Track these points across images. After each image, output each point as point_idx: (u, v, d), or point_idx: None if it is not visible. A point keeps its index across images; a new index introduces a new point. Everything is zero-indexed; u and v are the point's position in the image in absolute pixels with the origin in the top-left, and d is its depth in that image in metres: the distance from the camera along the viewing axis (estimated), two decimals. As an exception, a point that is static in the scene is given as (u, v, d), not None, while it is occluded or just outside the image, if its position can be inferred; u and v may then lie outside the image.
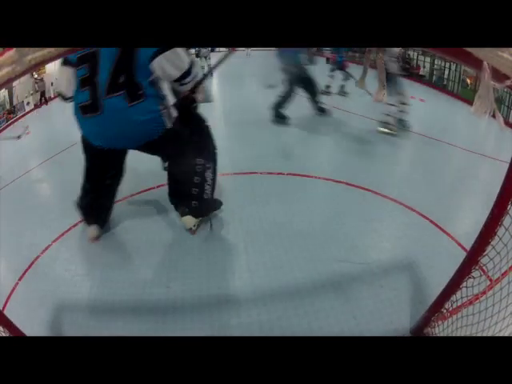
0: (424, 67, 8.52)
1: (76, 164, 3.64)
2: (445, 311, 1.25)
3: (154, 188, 2.82)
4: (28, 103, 8.72)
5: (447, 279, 1.22)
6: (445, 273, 1.24)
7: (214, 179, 2.11)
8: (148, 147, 1.92)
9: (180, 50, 1.71)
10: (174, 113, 1.90)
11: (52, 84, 10.22)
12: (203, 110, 2.14)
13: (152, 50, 1.65)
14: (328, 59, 7.65)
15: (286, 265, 1.86)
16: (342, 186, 2.69)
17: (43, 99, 8.79)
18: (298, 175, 2.82)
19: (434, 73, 8.03)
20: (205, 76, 1.98)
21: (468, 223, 2.17)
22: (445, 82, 7.42)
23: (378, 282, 1.71)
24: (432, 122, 4.79)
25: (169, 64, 1.69)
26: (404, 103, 3.96)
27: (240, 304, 1.64)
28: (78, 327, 1.56)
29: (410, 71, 8.01)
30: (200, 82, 1.90)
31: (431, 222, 2.20)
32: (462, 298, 1.17)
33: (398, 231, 2.16)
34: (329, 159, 3.36)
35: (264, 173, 2.92)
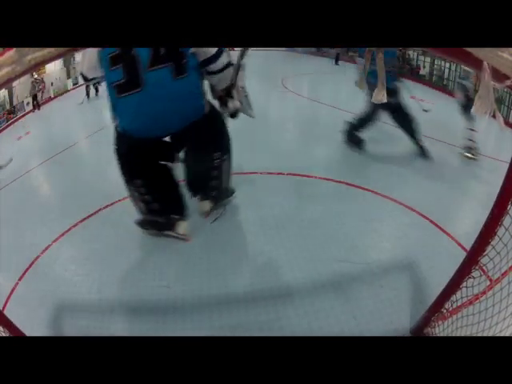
0: (424, 67, 8.52)
1: (76, 164, 3.65)
2: (445, 311, 1.25)
3: (154, 188, 2.82)
4: (28, 103, 8.73)
5: (447, 279, 1.22)
6: (445, 273, 1.24)
7: (230, 169, 2.13)
8: (181, 134, 1.76)
9: None
10: (210, 100, 1.85)
11: (52, 84, 10.24)
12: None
13: None
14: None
15: (285, 265, 1.86)
16: (342, 186, 2.69)
17: (35, 103, 8.45)
18: (298, 175, 2.82)
19: (434, 73, 8.03)
20: (235, 73, 1.76)
21: (468, 223, 2.17)
22: (445, 82, 7.43)
23: (378, 282, 1.71)
24: (432, 121, 4.78)
25: None
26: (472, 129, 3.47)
27: (240, 304, 1.64)
28: (77, 327, 1.56)
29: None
30: (231, 84, 1.76)
31: (431, 222, 2.20)
32: (461, 297, 1.16)
33: (398, 231, 2.16)
34: (329, 159, 3.36)
35: (264, 173, 2.92)
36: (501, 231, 1.01)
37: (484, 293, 1.12)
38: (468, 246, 1.14)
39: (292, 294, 1.67)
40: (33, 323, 1.52)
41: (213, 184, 2.08)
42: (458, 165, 3.43)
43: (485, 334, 1.05)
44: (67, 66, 11.37)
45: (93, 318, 1.61)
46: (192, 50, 1.61)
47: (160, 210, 1.96)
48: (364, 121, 3.48)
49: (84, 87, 8.09)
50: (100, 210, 2.57)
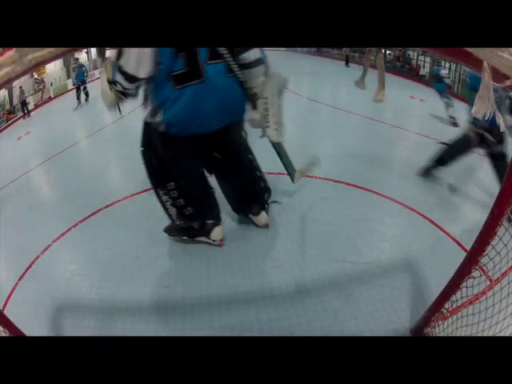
0: (424, 67, 8.52)
1: (76, 164, 3.65)
2: (445, 311, 1.25)
3: (154, 188, 2.82)
4: (28, 103, 8.73)
5: (447, 279, 1.22)
6: (445, 273, 1.24)
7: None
8: (229, 130, 1.71)
9: None
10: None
11: (52, 84, 10.24)
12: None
13: None
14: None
15: (286, 265, 1.86)
16: (342, 186, 2.69)
17: (25, 109, 8.23)
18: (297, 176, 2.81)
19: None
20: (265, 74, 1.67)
21: (468, 223, 2.17)
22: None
23: (378, 282, 1.71)
24: (432, 121, 4.79)
25: None
26: None
27: (240, 304, 1.64)
28: (77, 327, 1.57)
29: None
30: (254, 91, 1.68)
31: (431, 222, 2.20)
32: (461, 297, 1.16)
33: (398, 231, 2.16)
34: (329, 159, 3.35)
35: (264, 173, 2.92)
36: (501, 231, 1.01)
37: (484, 293, 1.12)
38: (468, 246, 1.14)
39: (292, 293, 1.67)
40: (33, 323, 1.53)
41: (262, 185, 2.04)
42: (458, 165, 3.43)
43: (485, 334, 1.05)
44: (67, 65, 11.38)
45: (93, 318, 1.61)
46: None
47: (194, 215, 1.87)
48: (454, 153, 2.78)
49: (75, 92, 8.07)
50: (100, 210, 2.57)
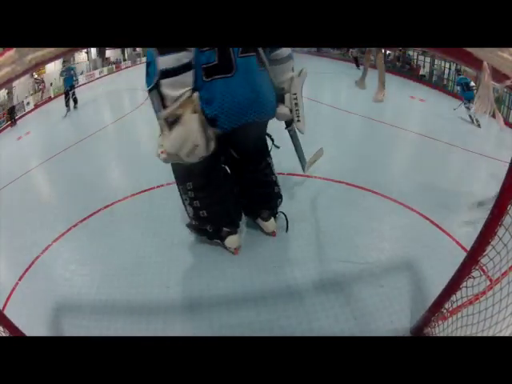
0: (424, 67, 8.52)
1: (76, 164, 3.65)
2: (445, 311, 1.25)
3: (154, 188, 2.82)
4: (28, 103, 8.74)
5: (447, 279, 1.22)
6: (445, 273, 1.24)
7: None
8: (253, 128, 1.66)
9: None
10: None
11: (51, 84, 10.24)
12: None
13: None
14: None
15: (286, 265, 1.86)
16: (342, 186, 2.69)
17: (11, 118, 7.65)
18: (298, 175, 2.81)
19: (434, 73, 8.04)
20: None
21: (468, 223, 2.17)
22: (445, 82, 7.43)
23: (378, 282, 1.71)
24: (432, 121, 4.79)
25: None
26: None
27: (240, 304, 1.64)
28: (77, 327, 1.56)
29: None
30: (282, 87, 1.73)
31: (431, 222, 2.20)
32: (461, 297, 1.16)
33: (398, 231, 2.15)
34: (329, 159, 3.35)
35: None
36: (501, 231, 1.01)
37: (484, 293, 1.12)
38: (468, 246, 1.14)
39: (292, 293, 1.67)
40: (33, 323, 1.52)
41: (276, 190, 2.01)
42: (458, 165, 3.43)
43: (485, 334, 1.05)
44: (67, 65, 11.36)
45: (93, 318, 1.61)
46: None
47: (208, 219, 1.83)
48: None
49: (63, 98, 7.35)
50: (100, 210, 2.57)
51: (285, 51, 1.65)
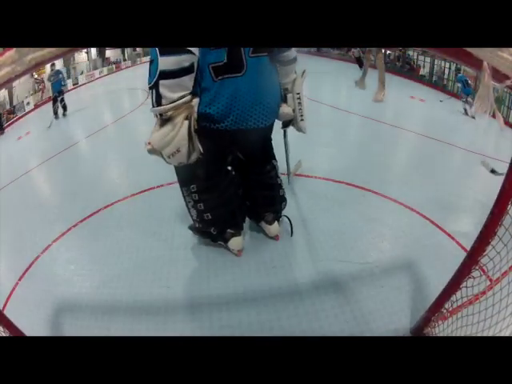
0: (424, 67, 8.52)
1: (76, 164, 3.65)
2: (445, 311, 1.25)
3: (154, 188, 2.82)
4: (28, 103, 8.74)
5: (447, 279, 1.22)
6: (445, 273, 1.24)
7: None
8: (259, 131, 1.60)
9: None
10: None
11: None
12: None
13: None
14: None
15: (285, 265, 1.86)
16: (342, 186, 2.69)
17: (1, 124, 7.27)
18: (298, 175, 2.82)
19: (434, 73, 8.04)
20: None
21: (468, 223, 2.17)
22: (445, 82, 7.43)
23: (378, 282, 1.71)
24: (432, 121, 4.79)
25: None
26: None
27: (240, 304, 1.64)
28: (78, 327, 1.57)
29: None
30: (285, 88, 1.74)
31: (431, 222, 2.20)
32: (461, 297, 1.16)
33: (398, 231, 2.15)
34: (329, 159, 3.36)
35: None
36: (501, 231, 1.01)
37: (484, 293, 1.12)
38: (468, 246, 1.14)
39: (292, 293, 1.67)
40: (33, 323, 1.53)
41: (281, 193, 2.00)
42: (459, 165, 3.44)
43: (485, 334, 1.05)
44: (67, 65, 11.38)
45: (93, 318, 1.61)
46: None
47: (213, 221, 1.81)
48: None
49: (51, 105, 6.80)
50: (100, 210, 2.57)
51: (292, 53, 1.64)
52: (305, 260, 1.89)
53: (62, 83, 6.81)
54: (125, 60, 15.79)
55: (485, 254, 1.05)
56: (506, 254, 1.01)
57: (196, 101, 1.41)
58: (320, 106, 5.55)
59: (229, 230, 1.88)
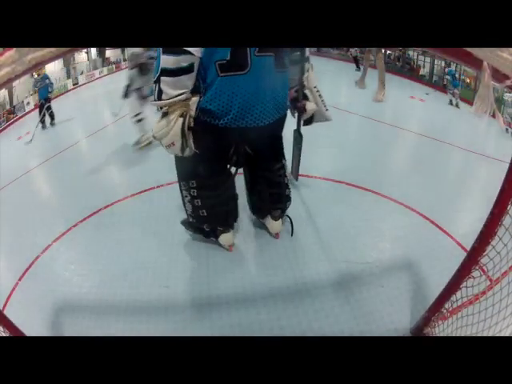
0: (424, 67, 8.52)
1: (76, 164, 3.65)
2: (445, 311, 1.25)
3: (154, 188, 2.82)
4: (28, 103, 8.74)
5: (447, 279, 1.22)
6: (445, 273, 1.24)
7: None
8: (268, 128, 1.62)
9: None
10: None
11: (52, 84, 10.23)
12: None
13: None
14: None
15: (285, 265, 1.86)
16: (342, 186, 2.69)
17: None
18: (300, 175, 2.81)
19: (434, 73, 8.03)
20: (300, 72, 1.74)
21: (468, 223, 2.16)
22: (445, 82, 7.43)
23: (378, 282, 1.71)
24: (432, 121, 4.79)
25: None
26: None
27: (240, 304, 1.64)
28: (78, 327, 1.57)
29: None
30: (301, 84, 1.75)
31: (431, 222, 2.20)
32: (461, 297, 1.17)
33: (398, 231, 2.15)
34: (329, 159, 3.36)
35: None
36: (501, 231, 1.01)
37: (484, 293, 1.12)
38: (468, 246, 1.14)
39: (292, 293, 1.67)
40: (33, 323, 1.53)
41: (287, 193, 2.00)
42: (459, 165, 3.43)
43: (485, 334, 1.05)
44: (67, 65, 11.37)
45: (93, 318, 1.61)
46: None
47: (207, 218, 1.84)
48: None
49: (37, 113, 6.04)
50: (100, 210, 2.57)
51: (304, 53, 1.68)
52: (305, 260, 1.89)
53: (49, 89, 6.11)
54: (125, 60, 15.78)
55: (485, 254, 1.05)
56: (506, 254, 1.01)
57: (195, 99, 1.45)
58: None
59: (219, 228, 1.92)
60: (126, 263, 1.96)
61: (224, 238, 1.95)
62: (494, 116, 0.71)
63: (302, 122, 2.03)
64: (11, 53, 0.64)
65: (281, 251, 1.97)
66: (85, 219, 2.46)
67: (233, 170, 1.84)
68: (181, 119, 1.42)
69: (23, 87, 8.38)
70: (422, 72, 8.59)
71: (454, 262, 1.19)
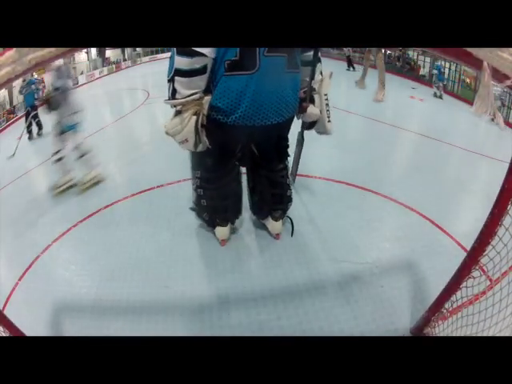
0: (424, 67, 8.52)
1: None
2: (445, 311, 1.25)
3: (154, 188, 2.82)
4: (28, 103, 8.72)
5: (447, 279, 1.22)
6: (445, 273, 1.24)
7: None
8: (274, 128, 1.64)
9: None
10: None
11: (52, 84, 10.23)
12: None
13: None
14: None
15: (285, 265, 1.86)
16: (342, 186, 2.69)
17: None
18: (298, 175, 2.81)
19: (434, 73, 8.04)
20: (312, 73, 1.75)
21: (468, 223, 2.16)
22: (445, 82, 7.43)
23: (378, 282, 1.71)
24: (432, 121, 4.79)
25: None
26: None
27: (240, 304, 1.64)
28: (78, 327, 1.56)
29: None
30: (310, 87, 1.76)
31: (431, 222, 2.20)
32: (461, 298, 1.16)
33: (398, 231, 2.16)
34: (329, 159, 3.36)
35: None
36: (501, 231, 1.01)
37: (484, 293, 1.12)
38: (468, 246, 1.14)
39: (292, 293, 1.67)
40: (33, 323, 1.52)
41: (288, 194, 2.01)
42: (458, 165, 3.43)
43: (485, 334, 1.05)
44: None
45: (93, 318, 1.61)
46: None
47: (207, 208, 1.92)
48: None
49: (24, 121, 5.54)
50: (100, 210, 2.57)
51: (317, 54, 1.68)
52: (305, 260, 1.89)
53: (35, 96, 5.50)
54: (125, 60, 15.79)
55: (485, 254, 1.05)
56: (506, 254, 1.01)
57: (207, 99, 1.49)
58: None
59: (217, 220, 1.97)
60: (125, 263, 1.96)
61: (219, 231, 2.01)
62: (494, 116, 0.71)
63: (301, 123, 2.03)
64: (11, 53, 0.64)
65: (281, 251, 1.97)
66: (85, 219, 2.46)
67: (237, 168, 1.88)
68: (194, 117, 1.46)
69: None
70: (421, 72, 8.59)
71: (454, 262, 1.19)
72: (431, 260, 1.84)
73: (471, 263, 1.09)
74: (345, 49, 10.26)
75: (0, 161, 4.40)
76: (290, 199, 2.05)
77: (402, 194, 2.50)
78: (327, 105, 1.83)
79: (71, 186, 3.04)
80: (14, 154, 4.75)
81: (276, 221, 2.03)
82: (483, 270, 1.08)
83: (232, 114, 1.50)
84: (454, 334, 1.17)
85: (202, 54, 1.35)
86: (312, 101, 1.80)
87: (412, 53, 9.05)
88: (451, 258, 1.37)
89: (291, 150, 2.16)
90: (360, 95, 6.41)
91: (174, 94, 1.44)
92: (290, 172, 2.40)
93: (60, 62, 2.84)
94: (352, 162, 3.21)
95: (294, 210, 2.24)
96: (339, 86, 7.28)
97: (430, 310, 1.33)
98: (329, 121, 1.86)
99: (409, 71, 9.00)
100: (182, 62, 1.36)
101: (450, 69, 7.30)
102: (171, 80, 1.42)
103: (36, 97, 5.51)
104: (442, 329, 1.25)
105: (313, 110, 1.79)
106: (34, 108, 5.46)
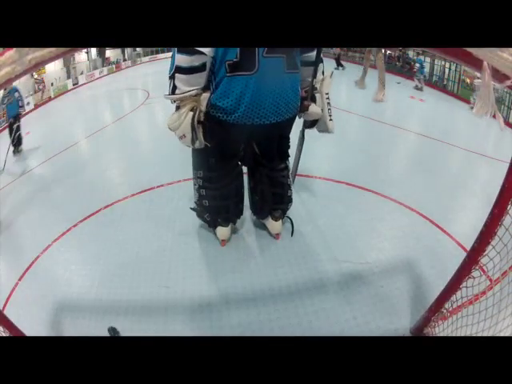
0: (424, 67, 8.52)
1: (76, 164, 3.65)
2: (445, 311, 1.25)
3: (154, 188, 2.82)
4: (28, 103, 8.73)
5: (447, 279, 1.22)
6: (445, 273, 1.24)
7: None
8: (276, 128, 1.67)
9: None
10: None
11: (52, 84, 10.25)
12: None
13: None
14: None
15: (286, 265, 1.86)
16: (342, 186, 2.69)
17: None
18: (298, 175, 2.81)
19: (434, 73, 8.04)
20: (314, 72, 1.77)
21: (468, 223, 2.17)
22: (445, 82, 7.44)
23: (378, 282, 1.71)
24: (432, 121, 4.79)
25: None
26: None
27: (240, 304, 1.64)
28: (77, 327, 1.57)
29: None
30: (312, 85, 1.77)
31: (431, 222, 2.20)
32: (461, 298, 1.16)
33: (398, 231, 2.15)
34: (329, 159, 3.36)
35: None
36: (501, 231, 1.01)
37: (484, 293, 1.12)
38: (468, 246, 1.14)
39: (292, 293, 1.67)
40: (33, 323, 1.53)
41: (289, 194, 2.01)
42: (458, 165, 3.43)
43: (485, 334, 1.05)
44: (67, 65, 11.38)
45: (93, 318, 1.61)
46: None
47: (208, 209, 1.93)
48: None
49: (8, 134, 4.84)
50: (100, 210, 2.57)
51: (314, 55, 1.69)
52: (305, 260, 1.89)
53: (20, 104, 4.88)
54: (125, 60, 15.79)
55: (485, 254, 1.05)
56: (506, 254, 1.01)
57: (205, 95, 1.53)
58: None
59: (218, 220, 1.97)
60: (125, 263, 1.96)
61: (220, 231, 2.01)
62: (494, 116, 0.71)
63: (303, 122, 2.03)
64: (11, 53, 0.64)
65: (281, 251, 1.97)
66: (85, 219, 2.46)
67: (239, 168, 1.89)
68: (191, 113, 1.51)
69: (23, 87, 8.36)
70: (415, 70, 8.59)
71: (454, 262, 1.19)
72: (431, 260, 1.84)
73: (471, 263, 1.09)
74: (334, 48, 10.21)
75: (0, 161, 4.39)
76: (290, 199, 2.05)
77: (401, 194, 2.50)
78: (328, 103, 1.84)
79: None
80: (3, 169, 4.22)
81: (276, 221, 2.03)
82: (483, 270, 1.08)
83: (232, 113, 1.53)
84: (454, 334, 1.17)
85: (201, 53, 1.40)
86: (313, 100, 1.81)
87: (412, 53, 9.06)
88: (451, 258, 1.38)
89: (292, 151, 2.17)
90: (360, 95, 6.41)
91: (174, 90, 1.49)
92: (290, 172, 2.41)
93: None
94: (352, 162, 3.21)
95: (293, 210, 2.24)
96: (339, 86, 7.29)
97: (429, 310, 1.33)
98: (330, 119, 1.87)
99: (409, 71, 9.00)
100: (182, 60, 1.41)
101: (449, 69, 7.30)
102: (172, 77, 1.47)
103: (21, 104, 4.93)
104: (442, 329, 1.25)
105: (314, 109, 1.81)
106: (17, 119, 4.92)
